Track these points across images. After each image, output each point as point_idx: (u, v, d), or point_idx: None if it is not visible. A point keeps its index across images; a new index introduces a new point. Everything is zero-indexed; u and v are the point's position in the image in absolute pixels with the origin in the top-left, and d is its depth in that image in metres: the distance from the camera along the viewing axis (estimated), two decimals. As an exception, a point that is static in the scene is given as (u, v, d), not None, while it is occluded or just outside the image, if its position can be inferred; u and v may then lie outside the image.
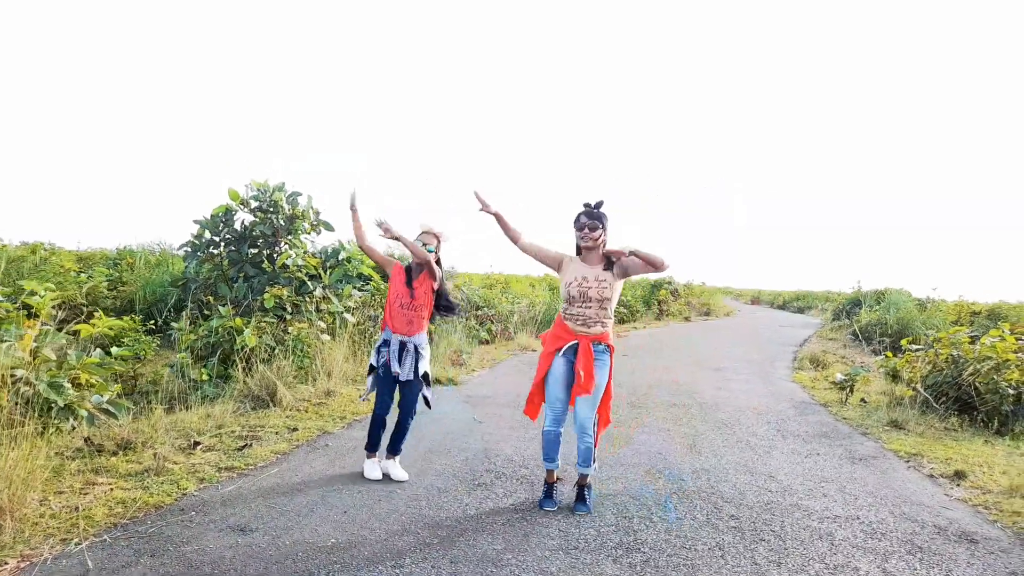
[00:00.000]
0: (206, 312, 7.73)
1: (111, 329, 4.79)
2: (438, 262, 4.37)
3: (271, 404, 5.91)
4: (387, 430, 4.33)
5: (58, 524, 3.22)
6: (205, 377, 6.45)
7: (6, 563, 2.81)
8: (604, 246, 3.88)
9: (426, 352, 4.32)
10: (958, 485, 4.88)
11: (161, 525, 3.32)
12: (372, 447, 4.33)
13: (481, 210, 4.00)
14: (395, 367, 4.17)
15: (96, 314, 6.45)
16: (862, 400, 8.25)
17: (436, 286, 4.32)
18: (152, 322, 8.22)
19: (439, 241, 4.42)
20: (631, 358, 11.14)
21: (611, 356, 3.96)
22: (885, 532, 3.83)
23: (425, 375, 4.31)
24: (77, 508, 3.40)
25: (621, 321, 19.20)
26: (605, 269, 3.85)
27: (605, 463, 4.85)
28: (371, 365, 4.33)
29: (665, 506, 4.04)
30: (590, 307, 3.83)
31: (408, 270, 4.31)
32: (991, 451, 5.82)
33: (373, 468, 4.28)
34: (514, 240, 4.02)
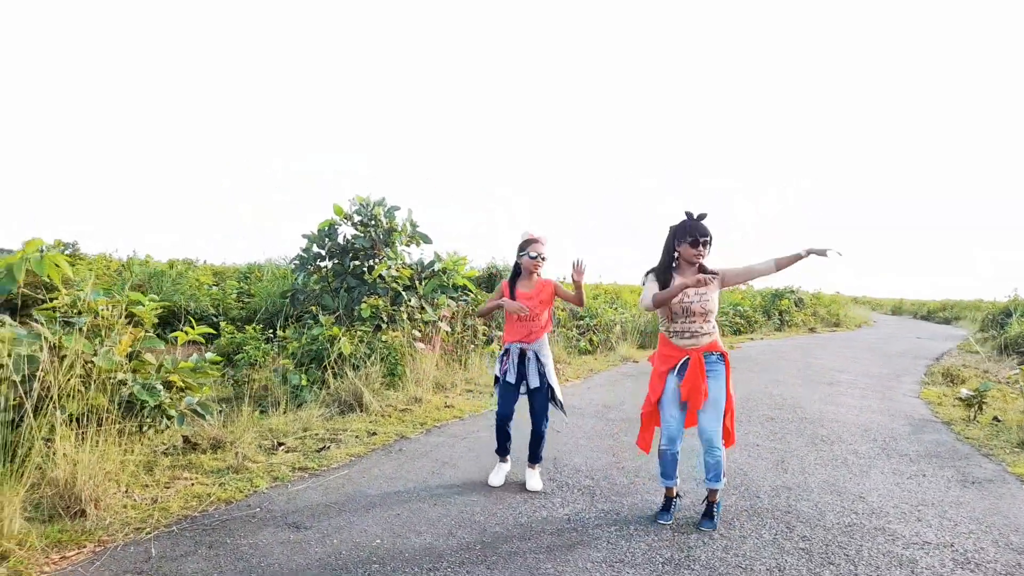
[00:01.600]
0: (311, 322, 8.19)
1: (202, 336, 5.15)
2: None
3: (358, 409, 6.16)
4: (518, 439, 4.48)
5: (137, 515, 3.52)
6: (305, 383, 6.83)
7: (84, 546, 3.11)
8: None
9: (547, 360, 4.31)
10: (1088, 515, 4.30)
11: (227, 519, 3.55)
12: (500, 451, 4.44)
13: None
14: (512, 375, 4.24)
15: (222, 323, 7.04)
16: (995, 419, 7.45)
17: (553, 292, 4.32)
18: (271, 331, 8.82)
19: (542, 245, 4.33)
20: (737, 370, 10.65)
21: (726, 364, 3.81)
22: (980, 562, 3.45)
23: (548, 382, 4.30)
24: (156, 500, 3.71)
25: (737, 332, 18.44)
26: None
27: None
28: (495, 376, 4.43)
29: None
30: (694, 321, 3.71)
31: (513, 281, 4.36)
32: None
33: (497, 474, 4.39)
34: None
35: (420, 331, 8.30)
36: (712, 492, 3.82)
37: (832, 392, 8.93)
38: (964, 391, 7.74)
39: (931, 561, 3.44)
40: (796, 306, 22.79)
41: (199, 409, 4.62)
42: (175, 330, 10.77)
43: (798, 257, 3.64)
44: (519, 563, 3.17)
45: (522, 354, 4.25)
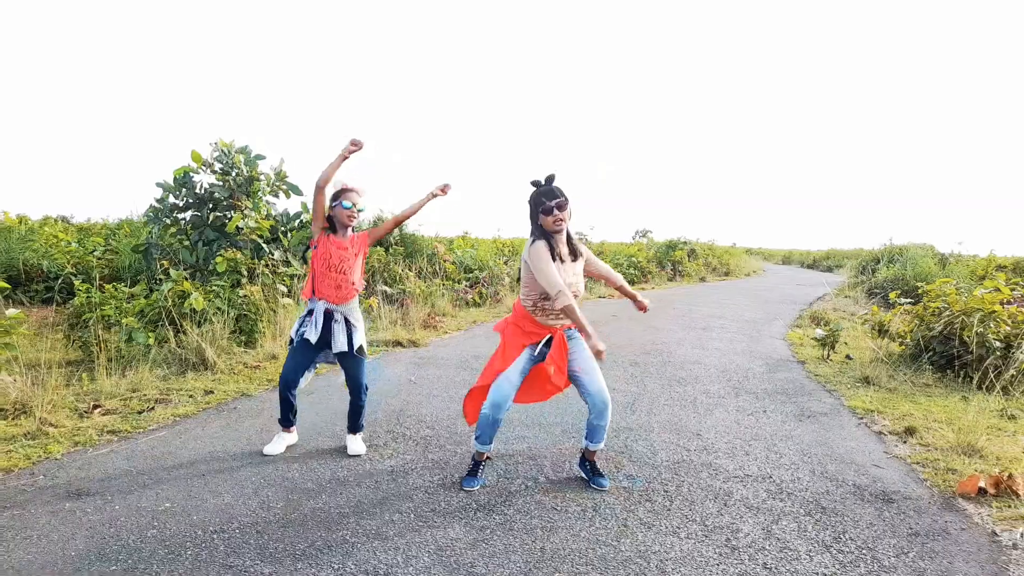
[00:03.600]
0: (162, 277, 7.64)
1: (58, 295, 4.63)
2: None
3: (203, 367, 5.78)
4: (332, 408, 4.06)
5: None
6: (151, 341, 6.36)
7: None
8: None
9: (359, 323, 3.88)
10: (904, 442, 4.52)
11: (-2, 489, 3.19)
12: (284, 421, 3.94)
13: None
14: (312, 336, 3.72)
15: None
16: (847, 356, 7.83)
17: (367, 250, 3.93)
18: (124, 288, 8.17)
19: (359, 197, 3.86)
20: (618, 319, 10.79)
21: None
22: (792, 492, 3.52)
23: (360, 349, 3.86)
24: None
25: (631, 283, 18.76)
26: (574, 261, 3.44)
27: (518, 422, 4.60)
28: (290, 337, 3.90)
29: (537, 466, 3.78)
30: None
31: (333, 230, 3.81)
32: (962, 407, 5.40)
33: (276, 443, 3.90)
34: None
35: (286, 285, 7.90)
36: (591, 452, 3.59)
37: (703, 336, 9.15)
38: (819, 331, 8.07)
39: (746, 493, 3.49)
40: (689, 257, 23.42)
41: (-11, 371, 4.17)
42: (24, 290, 9.84)
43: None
44: (319, 519, 2.98)
45: (328, 315, 3.78)
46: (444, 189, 3.88)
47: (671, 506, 3.29)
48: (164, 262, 7.74)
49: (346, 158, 3.61)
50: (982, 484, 3.53)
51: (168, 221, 8.44)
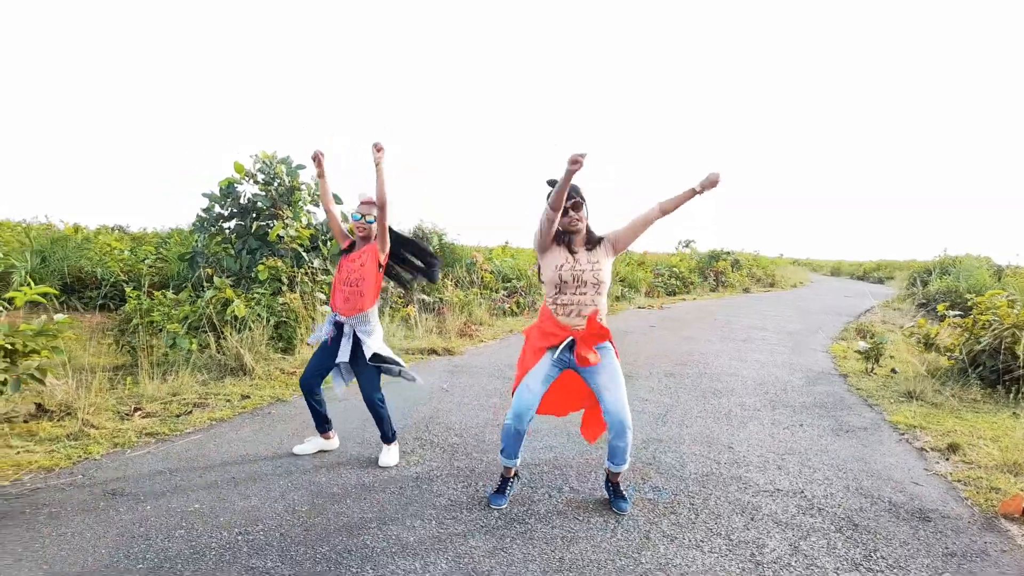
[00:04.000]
0: (206, 285, 7.86)
1: (44, 296, 4.80)
2: (391, 233, 3.90)
3: (242, 373, 5.92)
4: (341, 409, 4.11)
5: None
6: (193, 347, 6.54)
7: None
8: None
9: (370, 338, 3.79)
10: (947, 459, 4.37)
11: (39, 488, 3.31)
12: (318, 428, 4.01)
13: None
14: (313, 338, 3.90)
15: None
16: (892, 370, 7.60)
17: (383, 260, 3.84)
18: (171, 295, 8.42)
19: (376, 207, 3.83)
20: (655, 329, 10.68)
21: (611, 341, 3.34)
22: (824, 508, 3.43)
23: (376, 356, 3.79)
24: (-32, 468, 3.44)
25: (672, 293, 18.57)
26: (590, 250, 3.30)
27: (546, 432, 4.59)
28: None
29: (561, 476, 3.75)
30: (585, 293, 3.24)
31: (353, 243, 3.91)
32: (1011, 424, 5.20)
33: (307, 444, 4.01)
34: (556, 208, 3.17)
35: (325, 293, 8.04)
36: (615, 474, 3.35)
37: (743, 348, 8.99)
38: (862, 344, 7.86)
39: (775, 507, 3.41)
40: (732, 267, 23.06)
41: (35, 374, 4.32)
42: (79, 297, 10.21)
43: (692, 193, 3.17)
44: (342, 524, 3.02)
45: (339, 326, 3.82)
46: (377, 147, 3.64)
47: (696, 519, 3.24)
48: (209, 270, 7.95)
49: (379, 165, 3.61)
50: (1026, 504, 3.39)
51: (213, 230, 8.69)
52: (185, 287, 8.21)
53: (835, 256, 51.28)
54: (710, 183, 3.15)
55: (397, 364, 3.93)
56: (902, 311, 16.17)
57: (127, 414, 4.62)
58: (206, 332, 6.68)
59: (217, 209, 8.66)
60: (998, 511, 3.44)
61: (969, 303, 7.61)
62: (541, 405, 3.45)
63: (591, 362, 3.19)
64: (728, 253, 23.56)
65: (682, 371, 7.10)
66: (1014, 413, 5.64)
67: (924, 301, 15.76)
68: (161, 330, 7.04)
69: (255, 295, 7.15)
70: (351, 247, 3.91)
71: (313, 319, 7.55)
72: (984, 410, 5.71)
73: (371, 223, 3.81)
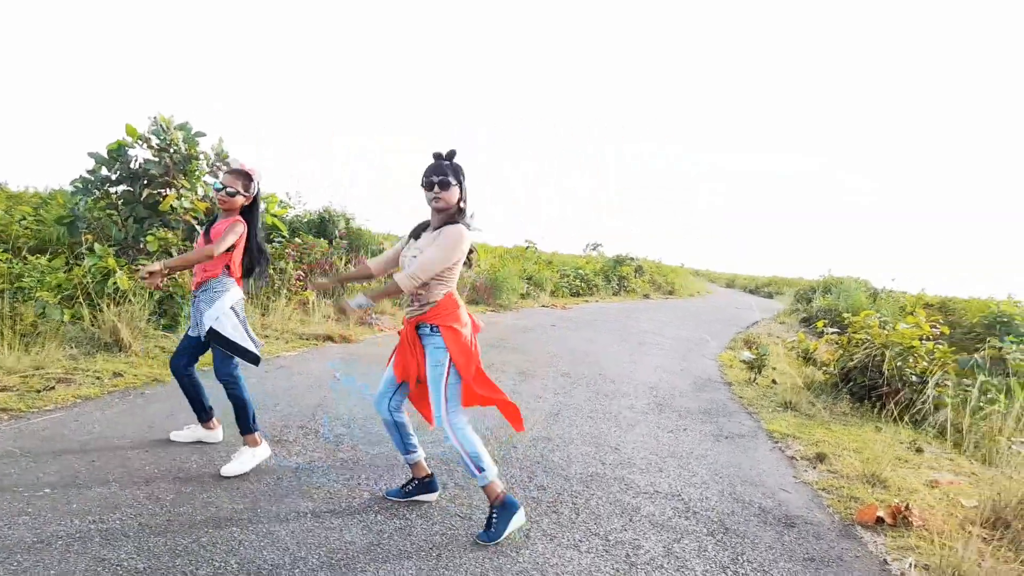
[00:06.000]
0: (86, 252, 7.32)
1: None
2: (252, 205, 3.61)
3: (117, 349, 5.54)
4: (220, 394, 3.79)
5: None
6: (68, 318, 6.07)
7: None
8: (462, 205, 3.03)
9: (212, 307, 3.46)
10: (814, 468, 4.61)
11: None
12: (195, 413, 3.72)
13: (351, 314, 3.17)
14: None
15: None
16: (773, 381, 8.00)
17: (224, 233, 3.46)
18: (41, 260, 7.79)
19: (250, 180, 3.56)
20: (558, 329, 10.81)
21: (448, 335, 2.99)
22: (698, 511, 3.54)
23: (212, 332, 3.45)
24: None
25: (576, 294, 18.87)
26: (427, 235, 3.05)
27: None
28: None
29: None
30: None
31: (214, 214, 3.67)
32: (875, 437, 5.56)
33: (185, 431, 3.75)
34: (383, 271, 3.29)
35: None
36: (484, 489, 3.03)
37: (638, 352, 9.24)
38: (746, 354, 8.23)
39: (653, 509, 3.50)
40: (636, 273, 23.70)
41: None
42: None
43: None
44: (209, 514, 2.86)
45: (193, 299, 3.56)
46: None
47: (576, 519, 3.27)
48: (90, 236, 7.41)
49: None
50: (880, 513, 3.62)
51: (98, 194, 8.11)
52: (61, 253, 7.63)
53: (731, 269, 53.60)
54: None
55: (233, 346, 3.52)
56: (787, 325, 17.11)
57: (-21, 387, 4.22)
58: (80, 303, 6.23)
59: (104, 172, 8.09)
60: (855, 519, 3.65)
61: (845, 321, 8.12)
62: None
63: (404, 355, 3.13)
64: (632, 259, 24.20)
65: (578, 371, 7.20)
66: (877, 426, 6.04)
67: (807, 317, 16.73)
68: (30, 297, 6.52)
69: (140, 266, 6.72)
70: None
71: (202, 296, 7.18)
72: (852, 423, 6.09)
73: (231, 195, 3.48)
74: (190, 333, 3.58)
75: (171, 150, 7.96)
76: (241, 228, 3.50)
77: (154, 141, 7.99)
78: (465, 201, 3.04)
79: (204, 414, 3.76)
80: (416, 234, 3.15)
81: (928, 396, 6.42)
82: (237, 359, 3.54)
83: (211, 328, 3.43)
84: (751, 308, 22.19)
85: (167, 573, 2.35)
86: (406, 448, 3.26)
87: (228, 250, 3.48)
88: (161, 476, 3.20)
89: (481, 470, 2.97)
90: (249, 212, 3.61)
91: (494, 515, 2.97)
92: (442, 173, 2.96)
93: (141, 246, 7.34)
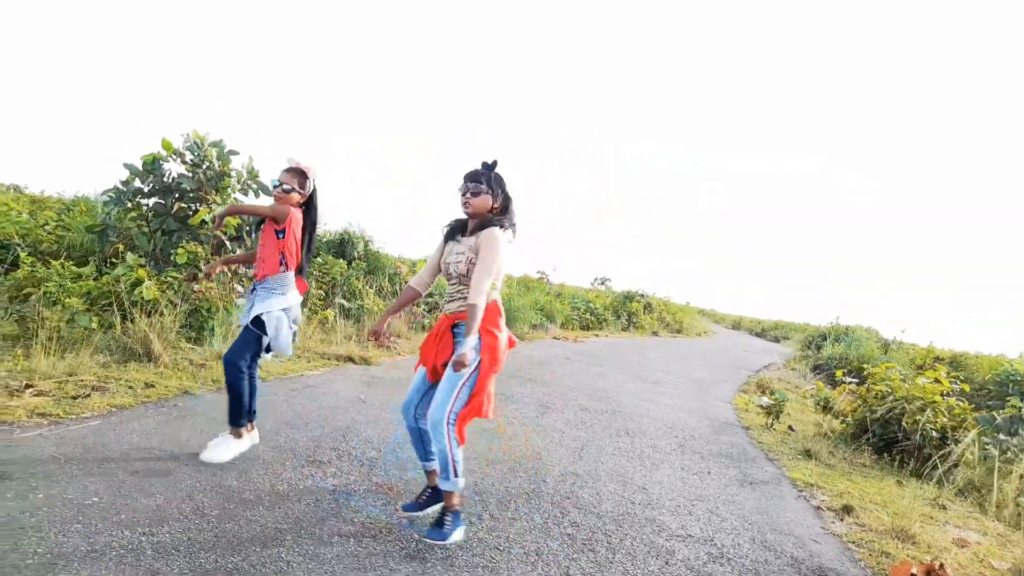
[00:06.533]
0: (115, 261, 7.40)
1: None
2: (308, 203, 3.82)
3: (146, 359, 5.57)
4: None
5: None
6: (95, 326, 6.11)
7: None
8: (496, 215, 3.19)
9: (263, 302, 3.66)
10: (841, 520, 4.59)
11: (-87, 461, 2.99)
12: (240, 417, 3.75)
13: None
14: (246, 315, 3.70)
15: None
16: (790, 427, 7.97)
17: (279, 226, 3.68)
18: (73, 267, 7.86)
19: (306, 178, 3.76)
20: (571, 362, 10.81)
21: (483, 339, 3.09)
22: (732, 558, 3.53)
23: (258, 319, 3.64)
24: None
25: (586, 327, 18.87)
26: (467, 239, 3.19)
27: (471, 456, 4.52)
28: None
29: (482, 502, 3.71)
30: (454, 284, 3.20)
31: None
32: (898, 491, 5.54)
33: (220, 450, 3.68)
34: (423, 291, 3.49)
35: (243, 286, 7.72)
36: (446, 493, 3.15)
37: (653, 390, 9.23)
38: (764, 399, 8.21)
39: (688, 553, 3.48)
40: (645, 310, 23.72)
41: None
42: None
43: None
44: (255, 533, 2.86)
45: (252, 291, 3.78)
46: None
47: (613, 559, 3.26)
48: (120, 245, 7.49)
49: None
50: (914, 571, 3.60)
51: (129, 205, 8.21)
52: (91, 260, 7.71)
53: (736, 311, 53.56)
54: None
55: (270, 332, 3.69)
56: (797, 371, 17.07)
57: (17, 390, 4.25)
58: (110, 311, 6.28)
59: (137, 183, 8.20)
60: (889, 575, 3.63)
61: (865, 372, 8.12)
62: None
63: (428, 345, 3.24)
64: (642, 295, 24.24)
65: (596, 407, 7.20)
66: (898, 481, 6.02)
67: (817, 364, 16.69)
68: (55, 303, 6.57)
69: (168, 279, 6.79)
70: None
71: (228, 311, 7.23)
72: (872, 475, 6.07)
73: (287, 192, 3.69)
74: (241, 322, 3.72)
75: (204, 166, 8.08)
76: (299, 216, 3.75)
77: (187, 156, 8.11)
78: (507, 209, 3.23)
79: (246, 417, 3.80)
80: (451, 235, 3.29)
81: (951, 452, 6.40)
82: (254, 360, 3.75)
83: (257, 316, 3.61)
84: (760, 351, 22.15)
85: (221, 591, 2.36)
86: (427, 455, 3.34)
87: (280, 236, 3.69)
88: (203, 490, 3.21)
89: (457, 476, 3.07)
90: (306, 210, 3.77)
91: (447, 518, 3.10)
92: (476, 180, 3.17)
93: (170, 258, 7.41)
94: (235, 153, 8.36)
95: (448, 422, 3.03)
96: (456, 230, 3.28)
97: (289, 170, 3.73)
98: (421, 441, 3.31)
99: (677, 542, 3.63)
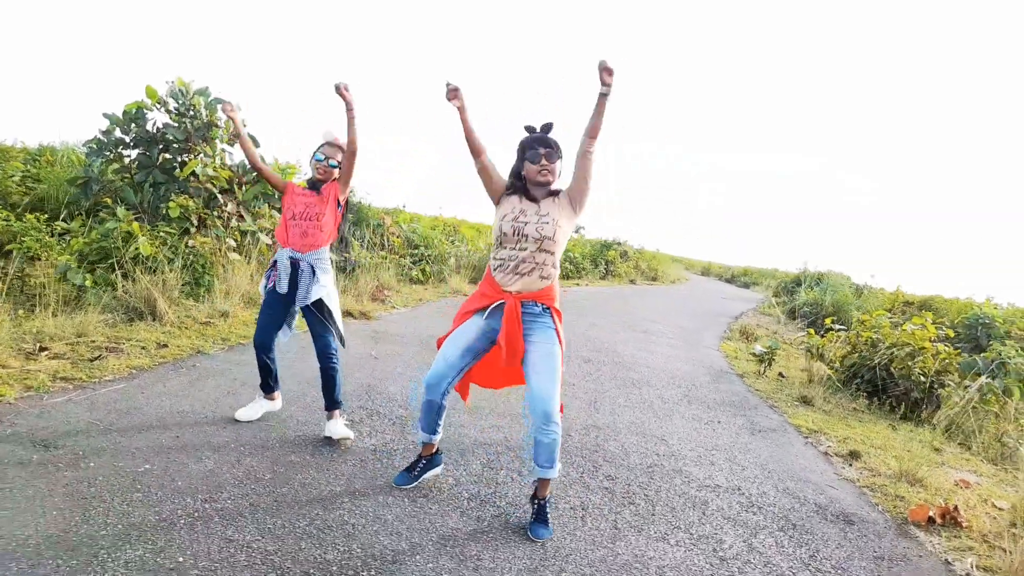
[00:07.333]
0: (104, 215, 7.16)
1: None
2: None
3: (150, 318, 5.46)
4: (283, 367, 3.68)
5: None
6: (90, 283, 5.95)
7: None
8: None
9: (326, 277, 3.54)
10: (850, 465, 4.77)
11: (-47, 432, 2.92)
12: (265, 387, 3.71)
13: (449, 98, 2.92)
14: (283, 286, 3.47)
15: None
16: (780, 374, 8.18)
17: (343, 200, 3.63)
18: (61, 223, 7.59)
19: (342, 151, 3.60)
20: (564, 312, 10.86)
21: (556, 319, 2.96)
22: (763, 506, 3.66)
23: (319, 304, 3.53)
24: None
25: (565, 276, 18.96)
26: (543, 202, 2.93)
27: (490, 411, 4.57)
28: (261, 292, 3.64)
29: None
30: (525, 248, 2.85)
31: (312, 184, 3.61)
32: (893, 435, 5.76)
33: (252, 408, 3.68)
34: (476, 153, 3.00)
35: (236, 240, 7.57)
36: (543, 484, 2.96)
37: (646, 339, 9.36)
38: (758, 347, 8.40)
39: (721, 503, 3.60)
40: (622, 258, 23.88)
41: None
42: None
43: (603, 97, 2.75)
44: (312, 495, 2.88)
45: (295, 265, 3.49)
46: (341, 89, 3.38)
47: (654, 512, 3.35)
48: (107, 199, 7.24)
49: (351, 110, 3.37)
50: (931, 513, 3.77)
51: (111, 156, 7.91)
52: (78, 215, 7.45)
53: (706, 257, 54.17)
54: (606, 72, 2.70)
55: (334, 322, 3.64)
56: (772, 316, 17.44)
57: (31, 353, 4.14)
58: (113, 269, 6.11)
59: (118, 133, 7.88)
60: (908, 518, 3.80)
61: (855, 319, 8.33)
62: (474, 375, 3.14)
63: (512, 337, 2.83)
64: (619, 243, 24.37)
65: (598, 358, 7.29)
66: (891, 425, 6.25)
67: (792, 309, 17.07)
68: (33, 258, 6.39)
69: (161, 234, 6.61)
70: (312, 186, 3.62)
71: (224, 267, 7.10)
72: (867, 420, 6.29)
73: (333, 167, 3.55)
74: (301, 303, 3.50)
75: (190, 115, 7.79)
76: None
77: (171, 105, 7.81)
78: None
79: (273, 385, 3.75)
80: (516, 191, 2.97)
81: (938, 396, 6.67)
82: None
83: (320, 300, 3.47)
84: (735, 298, 22.55)
85: (298, 556, 2.38)
86: (435, 429, 3.10)
87: (339, 207, 3.63)
88: (249, 454, 3.20)
89: (556, 464, 2.91)
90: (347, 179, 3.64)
91: (547, 509, 2.98)
92: (555, 147, 2.90)
93: (161, 212, 7.19)
94: (221, 102, 8.05)
95: (557, 414, 2.82)
96: (520, 190, 2.96)
97: (332, 144, 3.55)
98: (437, 416, 3.08)
99: (708, 492, 3.74)
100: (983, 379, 6.97)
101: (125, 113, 7.71)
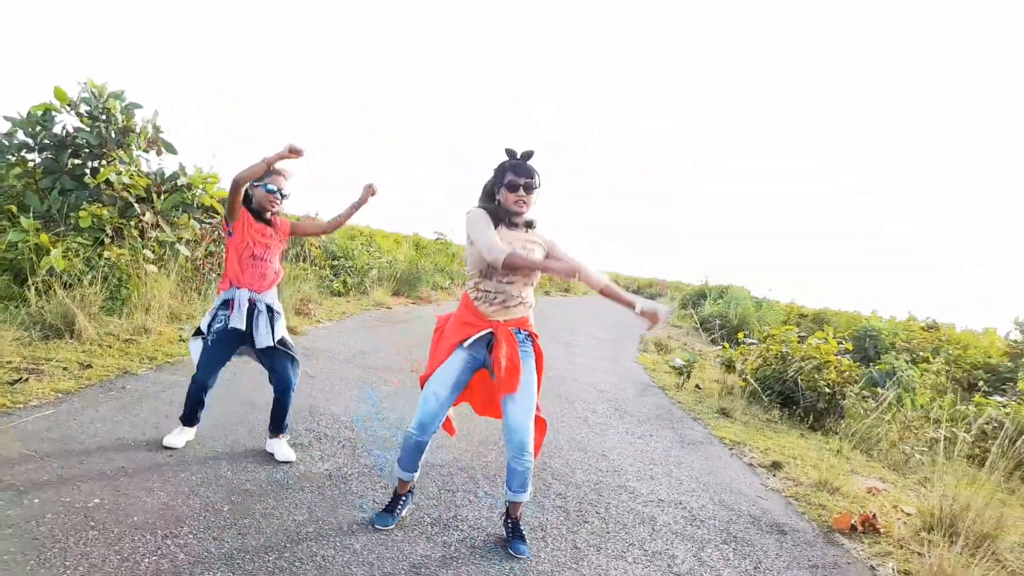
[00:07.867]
0: (6, 224, 6.67)
1: None
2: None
3: (69, 335, 5.14)
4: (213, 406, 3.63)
5: None
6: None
7: None
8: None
9: (281, 314, 3.59)
10: (774, 475, 5.07)
11: None
12: (187, 420, 3.55)
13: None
14: (239, 324, 3.35)
15: None
16: (697, 386, 8.56)
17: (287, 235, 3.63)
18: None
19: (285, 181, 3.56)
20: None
21: (536, 348, 3.09)
22: (704, 519, 3.85)
23: (283, 340, 3.55)
24: None
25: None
26: (526, 232, 2.99)
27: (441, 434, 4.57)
28: (198, 328, 3.51)
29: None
30: (513, 283, 2.91)
31: (256, 215, 3.48)
32: (804, 444, 6.15)
33: (178, 436, 3.51)
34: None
35: (153, 252, 7.21)
36: (515, 505, 3.04)
37: (569, 352, 9.58)
38: (677, 360, 8.76)
39: (667, 519, 3.76)
40: (535, 269, 24.24)
41: None
42: None
43: (628, 305, 3.08)
44: (275, 526, 2.81)
45: (252, 305, 3.44)
46: (373, 190, 3.64)
47: (608, 529, 3.47)
48: (11, 207, 6.74)
49: (271, 164, 3.26)
50: (854, 521, 4.08)
51: (12, 159, 7.37)
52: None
53: (612, 267, 55.66)
54: (651, 312, 3.02)
55: (295, 351, 3.70)
56: (681, 328, 18.18)
57: (-59, 377, 3.84)
58: (10, 282, 5.72)
59: (21, 136, 7.36)
60: (833, 526, 4.10)
61: (764, 335, 8.83)
62: (477, 406, 3.34)
63: (503, 366, 2.84)
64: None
65: (527, 373, 7.39)
66: (801, 434, 6.68)
67: (702, 321, 17.85)
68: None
69: (74, 245, 6.23)
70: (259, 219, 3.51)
71: (140, 279, 6.75)
72: (781, 430, 6.69)
73: (285, 197, 3.52)
74: (262, 344, 3.45)
75: (103, 119, 7.38)
76: None
77: (83, 108, 7.38)
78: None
79: (197, 420, 3.62)
80: (498, 220, 2.94)
81: (844, 407, 7.18)
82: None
83: (283, 338, 3.53)
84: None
85: (274, 592, 2.33)
86: (417, 466, 3.04)
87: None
88: (203, 484, 3.08)
89: (529, 487, 3.00)
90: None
91: (521, 528, 3.08)
92: (534, 176, 2.92)
93: (69, 221, 6.77)
94: (138, 106, 7.70)
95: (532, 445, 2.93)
96: (498, 219, 2.95)
97: (279, 174, 3.45)
98: (420, 453, 3.01)
99: (653, 507, 3.90)
100: (889, 392, 7.56)
101: (30, 115, 7.22)
